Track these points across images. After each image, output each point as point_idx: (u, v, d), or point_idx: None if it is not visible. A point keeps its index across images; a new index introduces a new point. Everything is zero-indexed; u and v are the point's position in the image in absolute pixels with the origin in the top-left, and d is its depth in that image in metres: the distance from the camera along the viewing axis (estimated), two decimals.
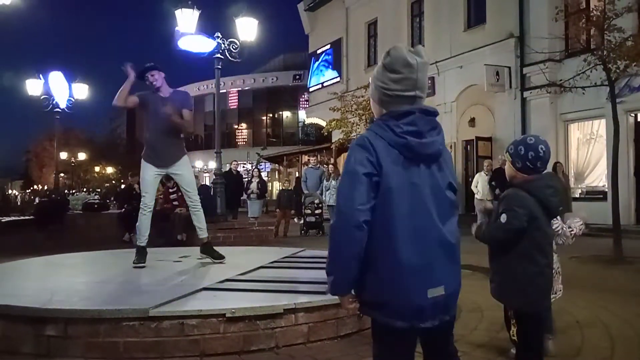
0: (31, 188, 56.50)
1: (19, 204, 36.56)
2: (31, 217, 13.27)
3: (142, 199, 5.32)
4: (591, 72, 8.29)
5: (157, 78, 5.22)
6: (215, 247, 5.65)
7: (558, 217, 3.07)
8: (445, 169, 1.81)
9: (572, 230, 3.06)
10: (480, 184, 11.35)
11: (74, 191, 34.47)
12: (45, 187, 42.82)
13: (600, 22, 7.88)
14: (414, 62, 1.76)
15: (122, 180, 38.19)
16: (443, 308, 1.77)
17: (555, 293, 3.19)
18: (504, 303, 2.73)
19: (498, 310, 3.18)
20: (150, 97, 5.28)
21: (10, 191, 63.73)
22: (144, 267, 5.14)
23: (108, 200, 18.66)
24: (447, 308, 1.79)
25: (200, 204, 5.54)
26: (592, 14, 8.41)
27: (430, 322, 1.74)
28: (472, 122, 16.42)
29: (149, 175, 5.29)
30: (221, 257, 5.44)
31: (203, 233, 5.52)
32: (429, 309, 1.72)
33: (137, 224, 5.34)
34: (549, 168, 10.84)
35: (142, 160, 5.33)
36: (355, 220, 1.66)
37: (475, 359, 3.28)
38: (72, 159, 40.56)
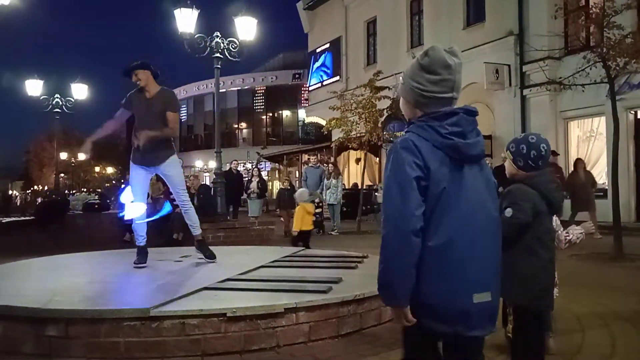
0: (31, 188, 56.49)
1: (18, 204, 36.57)
2: (32, 217, 13.27)
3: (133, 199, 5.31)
4: (591, 69, 8.29)
5: (142, 77, 5.06)
6: (216, 247, 5.65)
7: (556, 218, 3.06)
8: (485, 169, 1.79)
9: (567, 236, 3.04)
10: None
11: (74, 191, 34.45)
12: (46, 188, 42.83)
13: (600, 20, 7.87)
14: (453, 64, 1.73)
15: (122, 180, 38.18)
16: (490, 317, 1.72)
17: None
18: (507, 300, 2.71)
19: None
20: (135, 98, 5.19)
21: (10, 192, 63.67)
22: (144, 267, 5.15)
23: (108, 200, 18.66)
24: (493, 317, 1.74)
25: (190, 203, 5.50)
26: (591, 11, 8.41)
27: (477, 331, 1.69)
28: None
29: (138, 177, 5.26)
30: (213, 256, 5.43)
31: (196, 230, 5.50)
32: (476, 315, 1.67)
33: (133, 224, 5.35)
34: (552, 163, 10.84)
35: (131, 162, 5.28)
36: (412, 227, 1.60)
37: None
38: (72, 159, 40.57)
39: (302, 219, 7.50)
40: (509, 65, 14.96)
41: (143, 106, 5.12)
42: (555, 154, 11.48)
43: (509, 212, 2.48)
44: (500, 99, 15.35)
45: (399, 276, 1.64)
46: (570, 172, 11.02)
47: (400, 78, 1.83)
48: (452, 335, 1.68)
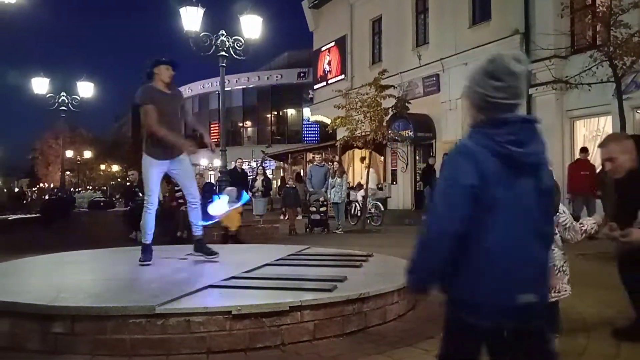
0: (37, 186, 56.75)
1: (24, 202, 36.81)
2: (38, 214, 13.35)
3: (146, 198, 5.27)
4: (597, 68, 8.25)
5: (172, 74, 5.19)
6: (221, 245, 5.65)
7: (566, 210, 3.05)
8: (541, 176, 1.81)
9: (582, 227, 3.03)
10: None
11: (79, 189, 34.60)
12: (52, 185, 43.03)
13: (607, 18, 7.85)
14: (518, 71, 1.75)
15: (127, 178, 38.35)
16: (531, 315, 1.78)
17: (559, 292, 3.14)
18: None
19: None
20: (154, 93, 5.14)
21: (17, 189, 63.92)
22: (150, 264, 5.16)
23: (114, 198, 18.75)
24: (535, 316, 1.80)
25: (199, 201, 5.48)
26: (598, 10, 8.39)
27: (519, 325, 1.76)
28: None
29: (154, 172, 5.20)
30: (214, 253, 5.40)
31: (198, 231, 5.46)
32: (518, 313, 1.74)
33: (142, 222, 5.31)
34: (584, 160, 10.74)
35: (146, 156, 5.17)
36: (449, 230, 1.70)
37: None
38: (78, 157, 40.72)
39: (229, 218, 7.68)
40: None
41: (165, 102, 5.14)
42: (585, 150, 11.39)
43: None
44: None
45: (424, 271, 1.79)
46: (599, 169, 10.90)
47: (467, 82, 1.86)
48: (494, 329, 1.76)
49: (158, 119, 5.04)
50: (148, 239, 5.27)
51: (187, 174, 5.38)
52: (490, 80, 1.76)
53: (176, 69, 5.22)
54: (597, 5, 9.13)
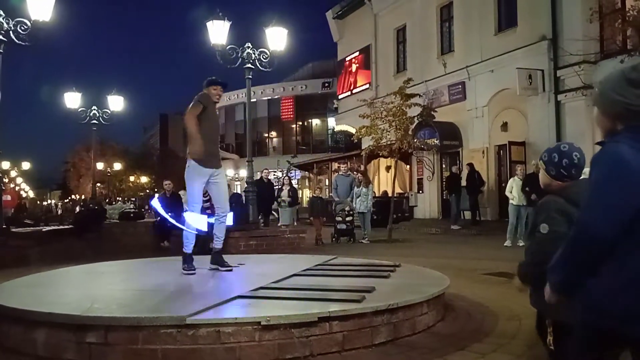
0: (69, 198, 58.06)
1: (58, 213, 37.74)
2: (70, 226, 13.66)
3: (190, 209, 5.39)
4: None
5: (221, 94, 5.49)
6: (248, 255, 5.73)
7: None
8: None
9: None
10: (515, 189, 11.11)
11: (108, 200, 35.27)
12: (83, 197, 43.98)
13: (637, 22, 7.70)
14: None
15: (155, 190, 39.06)
16: None
17: None
18: (546, 314, 2.66)
19: None
20: (210, 101, 5.41)
21: (49, 201, 65.63)
22: (193, 274, 5.26)
23: (143, 209, 19.06)
24: None
25: (227, 216, 5.58)
26: (628, 13, 8.24)
27: None
28: (504, 126, 16.17)
29: (198, 182, 5.33)
30: (230, 266, 5.50)
31: (219, 244, 5.58)
32: None
33: (185, 232, 5.45)
34: None
35: (193, 162, 5.25)
36: (599, 235, 1.65)
37: None
38: (108, 169, 41.57)
39: None
40: (542, 71, 14.69)
41: (215, 117, 5.51)
42: None
43: (544, 227, 2.44)
44: (534, 104, 15.08)
45: (567, 274, 1.77)
46: None
47: (598, 87, 1.80)
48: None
49: (205, 125, 5.28)
50: (190, 248, 5.39)
51: (223, 188, 5.53)
52: (633, 88, 1.69)
53: (220, 86, 5.49)
54: (627, 9, 8.94)
